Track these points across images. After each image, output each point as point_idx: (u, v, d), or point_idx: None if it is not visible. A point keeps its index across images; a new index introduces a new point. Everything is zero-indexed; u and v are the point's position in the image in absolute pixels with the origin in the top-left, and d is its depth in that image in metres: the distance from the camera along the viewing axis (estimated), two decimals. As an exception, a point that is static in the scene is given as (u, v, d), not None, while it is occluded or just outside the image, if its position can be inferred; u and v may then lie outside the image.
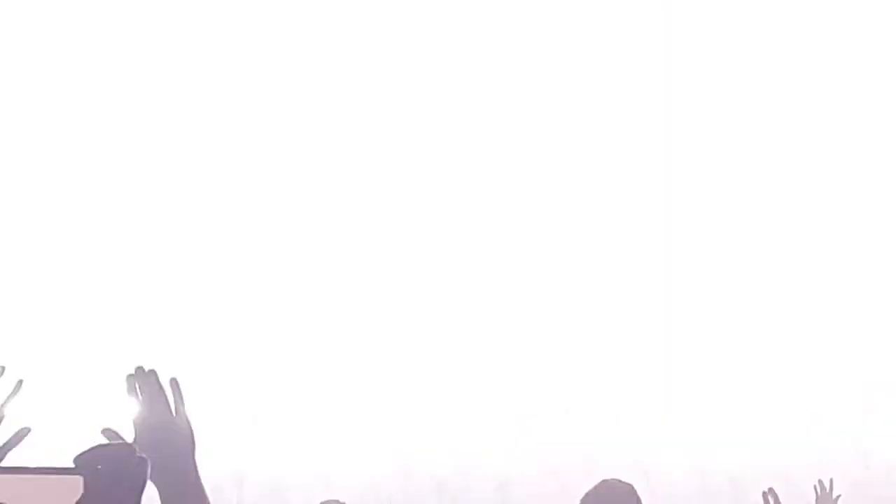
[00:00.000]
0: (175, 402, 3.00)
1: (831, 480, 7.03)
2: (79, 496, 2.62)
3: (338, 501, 7.28)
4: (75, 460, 2.64)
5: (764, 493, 5.59)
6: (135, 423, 3.04)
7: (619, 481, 5.28)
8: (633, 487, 5.48)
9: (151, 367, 3.01)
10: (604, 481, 5.32)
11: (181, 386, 3.15)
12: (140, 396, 3.00)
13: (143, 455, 2.70)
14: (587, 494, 5.57)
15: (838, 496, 6.90)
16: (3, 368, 3.60)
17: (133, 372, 3.04)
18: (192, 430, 3.09)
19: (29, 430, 3.48)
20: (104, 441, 2.98)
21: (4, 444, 3.43)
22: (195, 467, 3.09)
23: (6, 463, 3.22)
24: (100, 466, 2.64)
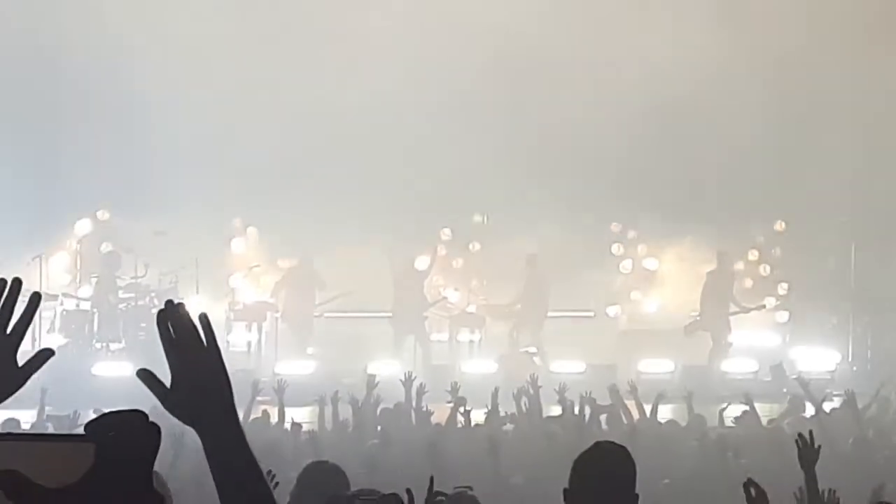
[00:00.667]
0: (206, 337, 2.92)
1: (811, 432, 6.89)
2: (90, 464, 2.57)
3: (328, 462, 7.26)
4: (86, 427, 2.60)
5: (745, 485, 5.44)
6: (169, 362, 2.96)
7: (613, 443, 5.24)
8: (627, 450, 5.45)
9: (180, 301, 2.93)
10: (597, 443, 5.28)
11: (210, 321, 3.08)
12: (171, 332, 2.92)
13: (155, 422, 2.67)
14: (580, 457, 5.54)
15: (819, 446, 6.77)
16: (19, 282, 3.28)
17: (163, 307, 2.97)
18: (224, 366, 3.03)
19: (52, 351, 3.34)
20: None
21: (26, 365, 3.28)
22: (232, 404, 3.03)
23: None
24: (111, 433, 2.59)
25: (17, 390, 3.30)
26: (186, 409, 3.01)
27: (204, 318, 3.02)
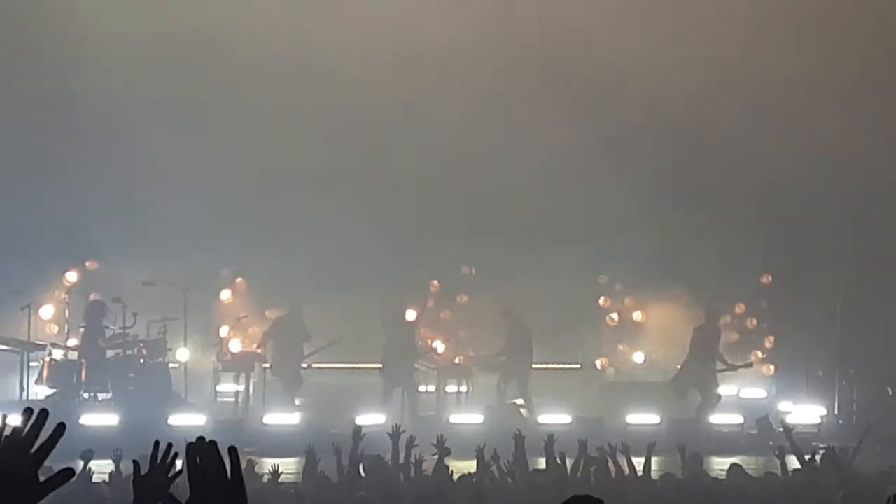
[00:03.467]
0: (232, 472, 2.98)
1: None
2: None
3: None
4: None
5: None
6: (192, 494, 3.04)
7: (590, 497, 5.22)
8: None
9: (212, 440, 3.00)
10: (573, 497, 5.26)
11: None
12: (199, 468, 2.99)
13: None
14: (555, 510, 5.51)
15: None
16: (46, 413, 3.52)
17: (193, 441, 3.05)
18: (245, 500, 3.10)
19: (73, 471, 3.44)
20: None
21: (47, 482, 3.38)
22: None
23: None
24: None
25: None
26: None
27: (233, 454, 3.08)
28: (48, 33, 25.07)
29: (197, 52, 24.74)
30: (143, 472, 4.54)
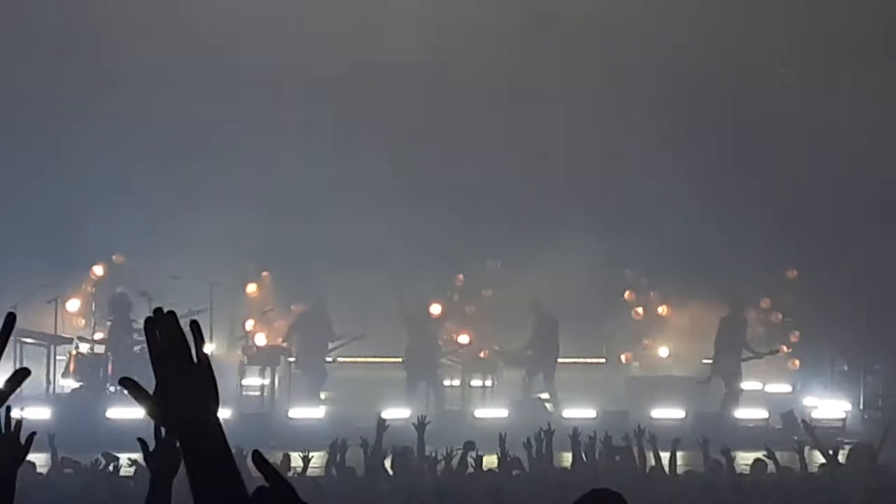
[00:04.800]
0: (196, 346, 2.83)
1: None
2: None
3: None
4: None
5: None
6: (155, 370, 2.86)
7: (609, 490, 5.21)
8: (622, 498, 5.42)
9: (170, 310, 2.83)
10: (593, 491, 5.25)
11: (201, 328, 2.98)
12: (159, 341, 2.83)
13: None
14: (574, 504, 5.51)
15: None
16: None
17: (152, 315, 2.88)
18: (213, 378, 2.89)
19: (28, 371, 3.30)
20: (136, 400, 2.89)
21: (5, 386, 3.23)
22: (217, 417, 2.91)
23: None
24: None
25: None
26: (169, 417, 2.92)
27: (195, 326, 2.94)
28: (76, 34, 25.17)
29: (221, 56, 24.81)
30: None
